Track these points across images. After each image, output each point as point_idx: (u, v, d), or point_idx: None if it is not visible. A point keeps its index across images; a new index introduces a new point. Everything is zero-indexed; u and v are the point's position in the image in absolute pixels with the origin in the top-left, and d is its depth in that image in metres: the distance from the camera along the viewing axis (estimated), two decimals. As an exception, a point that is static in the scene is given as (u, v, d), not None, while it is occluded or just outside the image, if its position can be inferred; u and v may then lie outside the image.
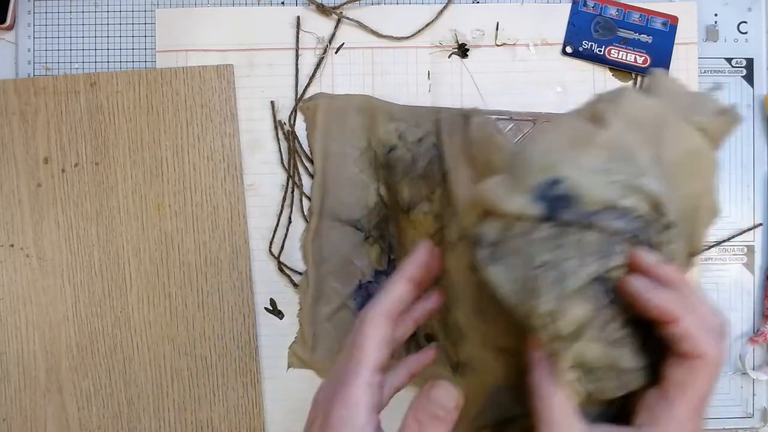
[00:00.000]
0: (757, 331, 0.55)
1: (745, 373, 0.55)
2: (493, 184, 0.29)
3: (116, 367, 0.54)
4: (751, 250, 0.56)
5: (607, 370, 0.27)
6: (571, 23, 0.55)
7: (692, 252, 0.31)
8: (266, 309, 0.55)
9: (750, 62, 0.56)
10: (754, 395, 0.56)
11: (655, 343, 0.28)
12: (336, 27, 0.55)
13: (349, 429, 0.29)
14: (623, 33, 0.55)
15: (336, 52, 0.55)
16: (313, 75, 0.55)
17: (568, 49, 0.55)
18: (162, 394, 0.54)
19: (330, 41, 0.55)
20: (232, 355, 0.54)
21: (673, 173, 0.29)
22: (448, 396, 0.29)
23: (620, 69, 0.55)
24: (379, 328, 0.31)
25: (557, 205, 0.27)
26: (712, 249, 0.56)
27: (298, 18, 0.55)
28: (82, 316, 0.54)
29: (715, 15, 0.56)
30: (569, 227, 0.27)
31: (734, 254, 0.56)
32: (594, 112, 0.31)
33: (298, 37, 0.55)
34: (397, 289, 0.32)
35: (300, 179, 0.55)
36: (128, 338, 0.54)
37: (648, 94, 0.32)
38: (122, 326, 0.54)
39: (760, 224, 0.56)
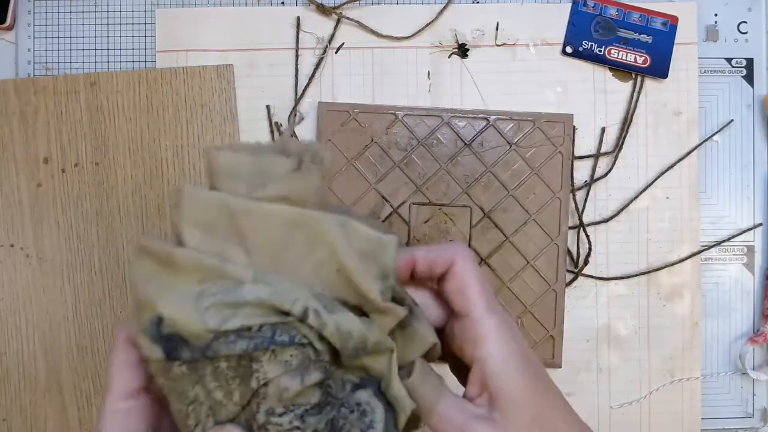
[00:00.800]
0: (757, 331, 0.55)
1: (745, 373, 0.55)
2: (126, 324, 0.28)
3: (116, 367, 0.54)
4: (751, 250, 0.56)
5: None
6: (571, 23, 0.55)
7: (368, 303, 0.26)
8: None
9: (750, 62, 0.56)
10: (754, 395, 0.56)
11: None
12: (336, 27, 0.55)
13: None
14: (623, 33, 0.55)
15: (336, 52, 0.55)
16: (313, 75, 0.55)
17: (568, 49, 0.55)
18: (162, 394, 0.54)
19: (330, 41, 0.55)
20: (232, 355, 0.54)
21: (279, 258, 0.25)
22: None
23: (620, 69, 0.55)
24: (122, 351, 0.28)
25: (171, 345, 0.25)
26: (712, 249, 0.56)
27: (298, 18, 0.55)
28: (82, 316, 0.54)
29: (715, 15, 0.56)
30: (197, 362, 0.25)
31: (734, 254, 0.56)
32: (171, 226, 0.27)
33: (298, 37, 0.55)
34: None
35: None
36: (128, 338, 0.54)
37: (210, 182, 0.27)
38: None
39: (760, 224, 0.56)
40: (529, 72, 0.55)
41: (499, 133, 0.53)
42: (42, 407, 0.54)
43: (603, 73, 0.56)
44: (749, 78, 0.56)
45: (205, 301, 0.24)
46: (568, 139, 0.53)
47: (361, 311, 0.26)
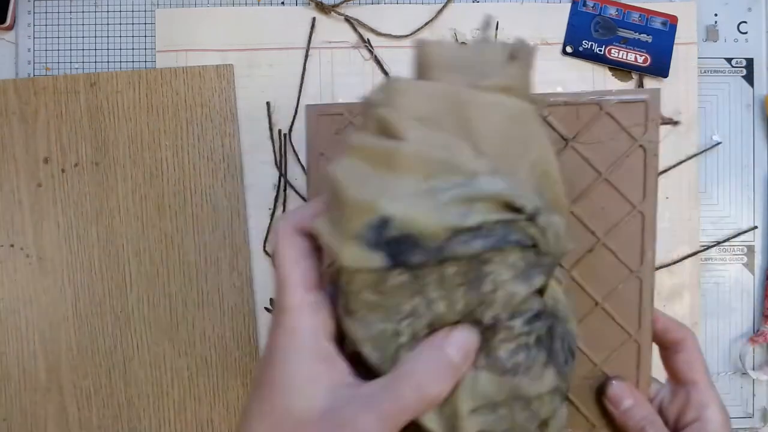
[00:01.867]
0: (757, 331, 0.55)
1: (745, 373, 0.55)
2: (321, 226, 0.25)
3: (116, 367, 0.54)
4: (751, 250, 0.56)
5: (512, 400, 0.25)
6: (570, 23, 0.55)
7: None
8: (266, 309, 0.55)
9: (750, 62, 0.56)
10: (754, 395, 0.56)
11: (563, 357, 0.26)
12: (336, 26, 0.55)
13: (293, 357, 0.25)
14: (623, 33, 0.55)
15: (336, 52, 0.55)
16: (303, 73, 0.55)
17: (568, 49, 0.55)
18: (162, 394, 0.54)
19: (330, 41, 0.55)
20: (232, 355, 0.54)
21: (504, 153, 0.24)
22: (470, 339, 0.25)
23: (620, 68, 0.55)
24: (292, 242, 0.26)
25: (398, 249, 0.23)
26: (712, 249, 0.56)
27: (314, 19, 0.55)
28: (82, 316, 0.54)
29: (715, 15, 0.56)
30: (423, 268, 0.23)
31: (734, 254, 0.56)
32: (378, 124, 0.25)
33: (310, 37, 0.55)
34: (310, 206, 0.27)
35: (295, 178, 0.55)
36: (128, 338, 0.54)
37: (422, 76, 0.26)
38: (122, 326, 0.54)
39: (755, 227, 0.56)
40: (529, 72, 0.55)
41: (549, 124, 0.36)
42: (42, 407, 0.54)
43: (603, 73, 0.56)
44: (749, 78, 0.56)
45: (442, 196, 0.23)
46: (653, 127, 0.35)
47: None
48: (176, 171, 0.54)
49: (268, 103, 0.55)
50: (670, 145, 0.55)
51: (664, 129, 0.55)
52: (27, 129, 0.54)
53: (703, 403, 0.34)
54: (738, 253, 0.56)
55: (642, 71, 0.55)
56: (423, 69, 0.26)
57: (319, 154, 0.39)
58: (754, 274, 0.56)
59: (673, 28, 0.55)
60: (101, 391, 0.54)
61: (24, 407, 0.54)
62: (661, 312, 0.36)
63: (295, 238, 0.26)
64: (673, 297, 0.55)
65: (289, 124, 0.55)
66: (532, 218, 0.24)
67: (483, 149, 0.24)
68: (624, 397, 0.34)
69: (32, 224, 0.54)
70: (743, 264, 0.56)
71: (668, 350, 0.36)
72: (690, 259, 0.55)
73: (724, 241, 0.56)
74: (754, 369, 0.55)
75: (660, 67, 0.55)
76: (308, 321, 0.25)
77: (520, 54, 0.26)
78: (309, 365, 0.25)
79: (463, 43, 0.25)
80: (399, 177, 0.23)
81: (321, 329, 0.25)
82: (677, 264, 0.55)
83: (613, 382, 0.35)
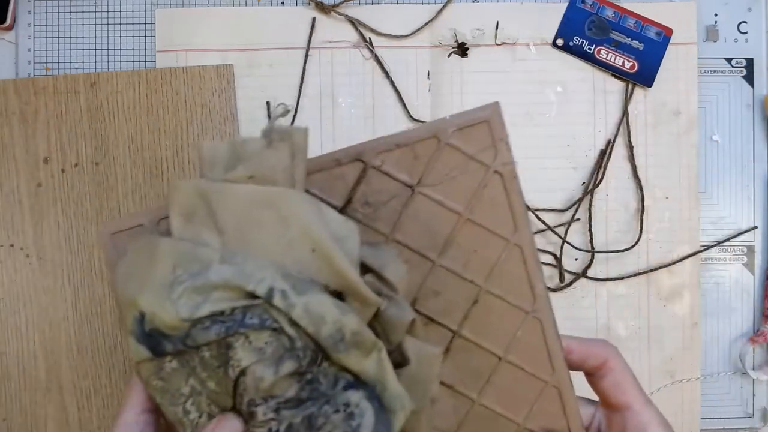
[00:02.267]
0: (757, 331, 0.55)
1: (745, 373, 0.55)
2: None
3: (116, 367, 0.54)
4: (751, 250, 0.56)
5: None
6: (566, 16, 0.55)
7: (348, 286, 0.25)
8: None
9: (750, 62, 0.56)
10: (754, 395, 0.56)
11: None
12: (335, 26, 0.55)
13: None
14: (616, 35, 0.55)
15: (336, 52, 0.55)
16: (303, 73, 0.55)
17: (559, 42, 0.55)
18: (162, 394, 0.54)
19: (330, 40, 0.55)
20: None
21: (246, 239, 0.25)
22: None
23: (607, 71, 0.55)
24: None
25: (155, 341, 0.25)
26: (712, 249, 0.56)
27: (314, 19, 0.55)
28: (82, 316, 0.54)
29: (715, 15, 0.56)
30: (184, 354, 0.25)
31: (734, 254, 0.56)
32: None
33: (310, 37, 0.55)
34: None
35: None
36: (128, 338, 0.54)
37: (200, 172, 0.27)
38: (122, 326, 0.54)
39: (755, 227, 0.56)
40: (529, 71, 0.55)
41: (386, 174, 0.31)
42: (42, 407, 0.54)
43: (603, 73, 0.56)
44: (749, 78, 0.56)
45: (177, 289, 0.24)
46: (503, 147, 0.31)
47: (339, 297, 0.25)
48: (176, 171, 0.54)
49: (268, 103, 0.55)
50: (670, 145, 0.55)
51: (664, 128, 0.55)
52: (27, 129, 0.54)
53: (642, 425, 0.31)
54: (738, 253, 0.56)
55: (627, 77, 0.55)
56: (200, 166, 0.27)
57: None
58: (754, 274, 0.56)
59: (666, 40, 0.55)
60: (101, 391, 0.54)
61: (24, 407, 0.54)
62: (571, 337, 0.32)
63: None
64: (673, 297, 0.55)
65: (289, 124, 0.55)
66: (268, 301, 0.24)
67: (227, 238, 0.25)
68: None
69: (32, 224, 0.54)
70: (743, 264, 0.56)
71: (593, 376, 0.33)
72: (690, 259, 0.55)
73: (724, 241, 0.56)
74: (754, 369, 0.55)
75: (646, 76, 0.55)
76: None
77: (277, 139, 0.26)
78: None
79: (243, 139, 0.26)
80: (154, 271, 0.25)
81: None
82: (677, 264, 0.55)
83: None
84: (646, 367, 0.55)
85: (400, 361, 0.27)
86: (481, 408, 0.31)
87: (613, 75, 0.55)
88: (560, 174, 0.55)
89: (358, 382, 0.26)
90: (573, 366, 0.32)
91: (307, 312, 0.24)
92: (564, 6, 0.55)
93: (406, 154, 0.30)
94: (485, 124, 0.30)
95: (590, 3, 0.55)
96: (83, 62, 0.56)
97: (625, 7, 0.55)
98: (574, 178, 0.55)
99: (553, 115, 0.55)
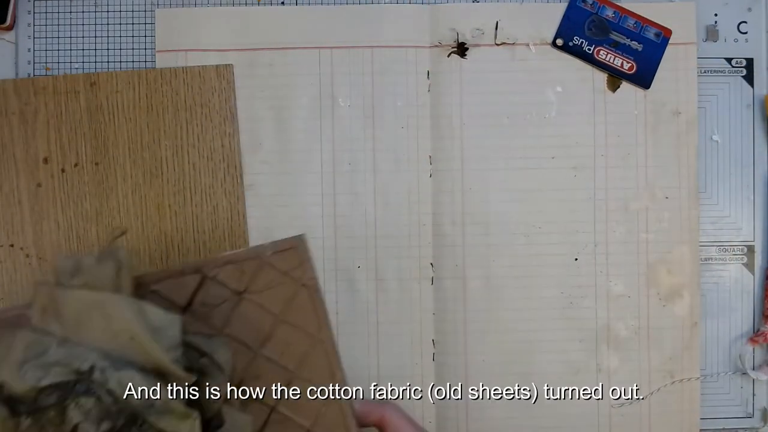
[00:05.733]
0: (757, 331, 0.55)
1: (745, 373, 0.55)
2: None
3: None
4: (751, 250, 0.56)
5: None
6: (566, 16, 0.55)
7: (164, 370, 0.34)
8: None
9: (750, 62, 0.56)
10: (754, 395, 0.56)
11: None
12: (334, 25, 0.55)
13: None
14: (615, 36, 0.55)
15: (336, 52, 0.55)
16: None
17: (559, 42, 0.55)
18: (162, 394, 0.54)
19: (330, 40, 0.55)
20: (232, 355, 0.54)
21: (79, 330, 0.33)
22: None
23: (605, 71, 0.55)
24: None
25: (12, 404, 0.32)
26: (712, 249, 0.56)
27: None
28: (82, 316, 0.54)
29: (715, 15, 0.56)
30: (36, 413, 0.32)
31: (734, 254, 0.56)
32: None
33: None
34: None
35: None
36: (128, 338, 0.54)
37: (55, 279, 0.35)
38: None
39: (755, 227, 0.56)
40: (528, 71, 0.55)
41: (220, 283, 0.40)
42: (42, 407, 0.54)
43: (603, 73, 0.56)
44: (749, 78, 0.56)
45: (25, 366, 0.32)
46: (308, 267, 0.41)
47: (160, 374, 0.33)
48: (176, 171, 0.54)
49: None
50: (670, 145, 0.55)
51: (664, 128, 0.55)
52: (27, 129, 0.54)
53: None
54: (738, 253, 0.56)
55: (626, 78, 0.55)
56: (55, 274, 0.35)
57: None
58: (754, 274, 0.56)
59: (665, 41, 0.55)
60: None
61: (24, 407, 0.54)
62: (358, 401, 0.40)
63: None
64: (673, 297, 0.55)
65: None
66: (89, 375, 0.32)
67: (66, 328, 0.34)
68: None
69: (32, 224, 0.54)
70: (743, 264, 0.56)
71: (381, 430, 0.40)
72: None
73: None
74: (754, 369, 0.55)
75: (644, 78, 0.55)
76: None
77: (105, 258, 0.35)
78: None
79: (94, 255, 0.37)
80: (11, 353, 0.33)
81: None
82: (677, 264, 0.55)
83: None
84: (646, 367, 0.55)
85: (218, 425, 0.35)
86: None
87: (611, 76, 0.55)
88: (560, 174, 0.55)
89: None
90: (361, 423, 0.39)
91: (120, 384, 0.32)
92: (564, 6, 0.55)
93: (236, 269, 0.40)
94: (294, 250, 0.41)
95: (590, 2, 0.55)
96: (83, 62, 0.56)
97: (625, 7, 0.55)
98: (574, 178, 0.55)
99: (552, 115, 0.55)
